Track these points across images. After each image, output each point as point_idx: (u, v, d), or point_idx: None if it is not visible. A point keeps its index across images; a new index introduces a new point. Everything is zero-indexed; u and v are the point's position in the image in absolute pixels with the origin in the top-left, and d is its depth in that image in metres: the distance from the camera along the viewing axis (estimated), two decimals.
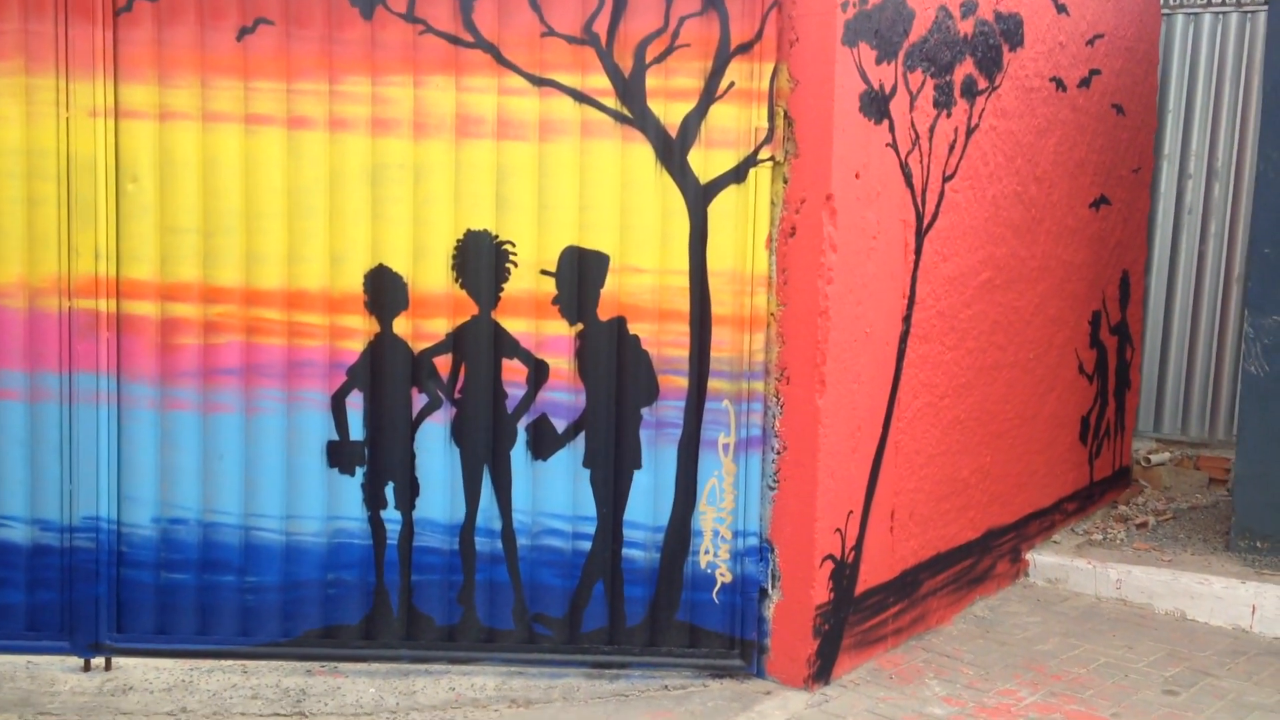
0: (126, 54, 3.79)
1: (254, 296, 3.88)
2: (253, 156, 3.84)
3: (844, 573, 4.04)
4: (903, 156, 4.22)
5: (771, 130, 3.90)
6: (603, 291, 3.97)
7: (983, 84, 4.69)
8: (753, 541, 3.97)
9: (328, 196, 3.88)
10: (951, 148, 4.52)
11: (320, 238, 3.88)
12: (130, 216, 3.83)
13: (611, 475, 4.00)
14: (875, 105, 4.03)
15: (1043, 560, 5.32)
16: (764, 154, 3.91)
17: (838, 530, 4.01)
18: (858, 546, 4.12)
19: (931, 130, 4.37)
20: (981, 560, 4.97)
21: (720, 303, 3.97)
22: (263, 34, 3.82)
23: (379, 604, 3.96)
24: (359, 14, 3.83)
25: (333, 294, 3.90)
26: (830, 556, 3.96)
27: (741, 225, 3.95)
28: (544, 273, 3.96)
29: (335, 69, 3.84)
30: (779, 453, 3.98)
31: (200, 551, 3.88)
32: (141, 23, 3.79)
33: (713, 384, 3.98)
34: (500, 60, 3.87)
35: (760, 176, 3.93)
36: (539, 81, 3.89)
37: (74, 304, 3.79)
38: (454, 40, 3.86)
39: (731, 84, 3.91)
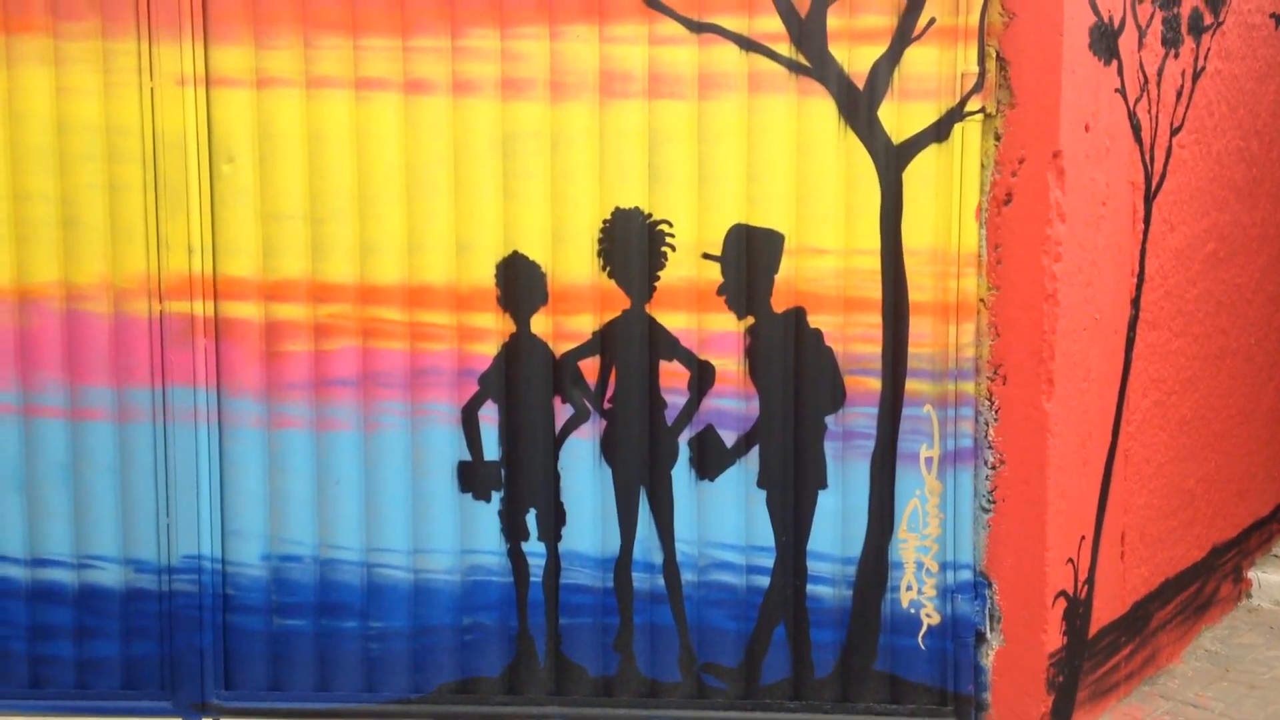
0: (217, 9, 3.38)
1: (369, 293, 3.46)
2: (364, 128, 3.41)
3: (1078, 611, 3.51)
4: (1131, 104, 3.65)
5: (981, 76, 3.36)
6: (777, 278, 3.47)
7: (1209, 19, 4.10)
8: (965, 575, 3.45)
9: (452, 173, 3.43)
10: (1179, 94, 3.94)
11: (444, 222, 3.44)
12: (226, 202, 3.42)
13: (792, 497, 3.51)
14: (1105, 42, 3.46)
15: (1269, 579, 4.74)
16: (972, 105, 3.37)
17: (1069, 560, 3.48)
18: (1090, 579, 3.59)
19: (1160, 73, 3.80)
20: (1207, 583, 4.41)
21: (919, 287, 3.46)
22: None
23: (523, 652, 3.52)
24: None
25: (460, 288, 3.46)
26: (1063, 593, 3.44)
27: (944, 193, 3.42)
28: (706, 257, 3.47)
29: (458, 21, 3.39)
30: (995, 467, 3.45)
31: (317, 593, 3.48)
32: None
33: (911, 385, 3.47)
34: (651, 3, 3.38)
35: (967, 133, 3.39)
36: (697, 27, 3.40)
37: (165, 307, 3.40)
38: None
39: (931, 21, 3.38)
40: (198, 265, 3.41)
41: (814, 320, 3.49)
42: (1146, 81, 3.70)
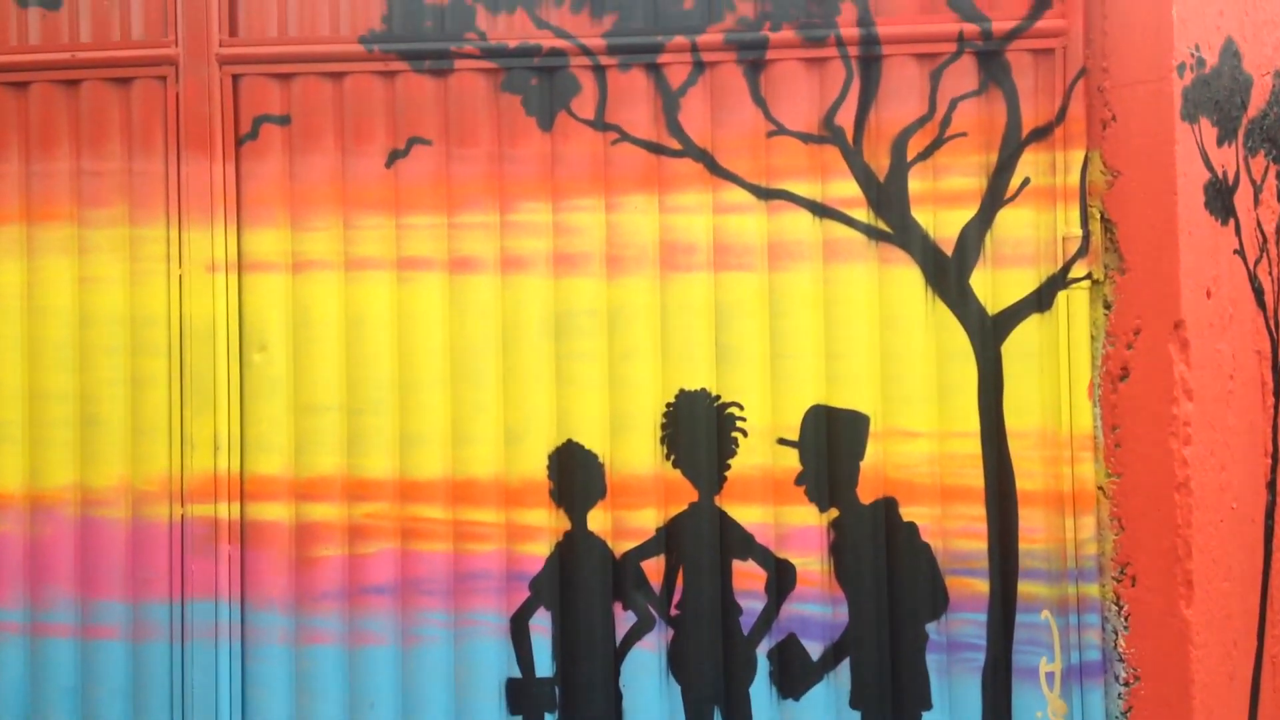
0: (251, 191, 3.27)
1: (410, 490, 3.24)
2: (407, 311, 3.25)
3: None
4: (1251, 266, 3.38)
5: (1085, 239, 3.13)
6: (863, 465, 3.20)
7: None
8: None
9: (500, 356, 3.24)
10: None
11: (492, 410, 3.24)
12: (257, 395, 3.25)
13: (890, 719, 3.15)
14: (1220, 199, 3.23)
15: None
16: (1076, 271, 3.14)
17: None
18: None
19: (1279, 231, 3.53)
20: None
21: (1027, 474, 3.16)
22: (418, 157, 3.26)
23: None
24: (535, 124, 3.24)
25: (509, 482, 3.23)
26: None
27: (1050, 368, 3.16)
28: (783, 442, 3.21)
29: (507, 194, 3.25)
30: (1128, 684, 3.08)
31: None
32: (269, 151, 3.28)
33: (1025, 588, 3.14)
34: (715, 170, 3.23)
35: (1073, 301, 3.15)
36: (766, 194, 3.22)
37: (187, 511, 3.21)
38: (656, 149, 3.23)
39: (1025, 181, 3.17)
40: (224, 464, 3.22)
41: (907, 512, 3.20)
42: (1265, 241, 3.45)
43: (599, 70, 3.25)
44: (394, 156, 3.28)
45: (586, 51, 3.24)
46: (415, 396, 3.25)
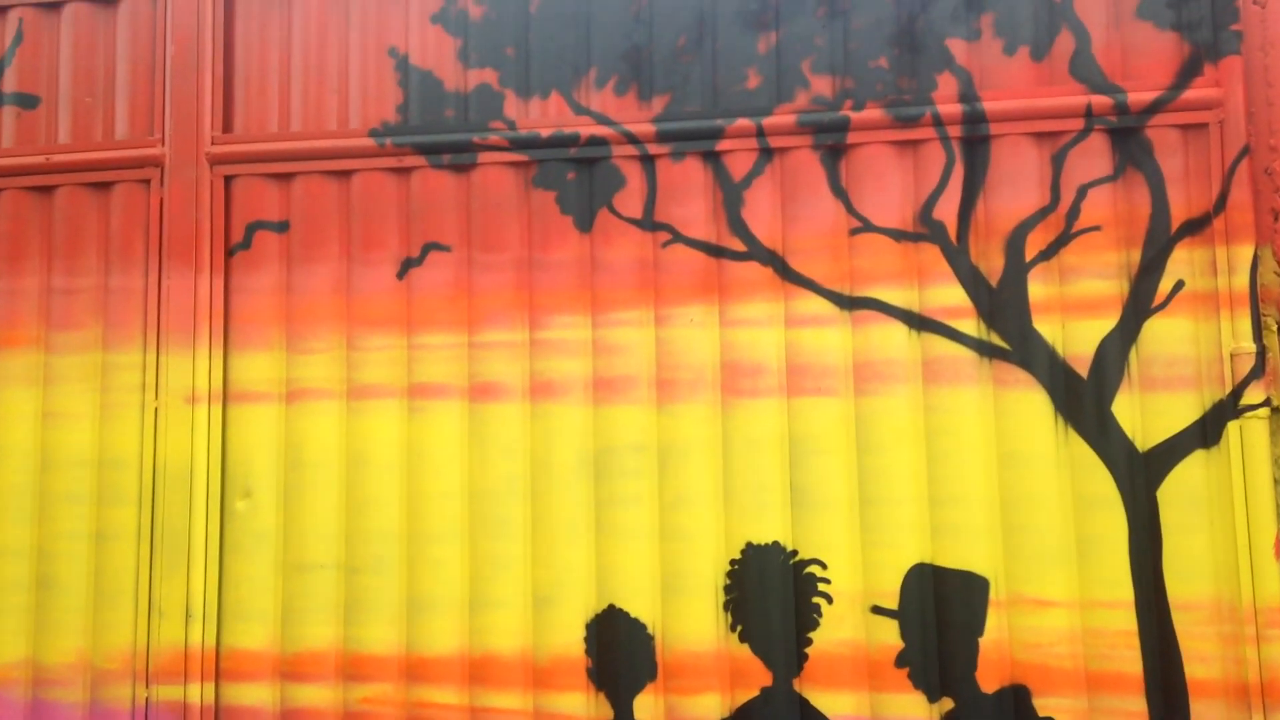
0: (242, 308, 2.95)
1: (418, 668, 2.79)
2: (418, 448, 2.86)
3: None
4: None
5: (1260, 355, 2.62)
6: (982, 642, 2.66)
7: None
8: None
9: (528, 502, 2.82)
10: None
11: (517, 567, 2.81)
12: (238, 551, 2.87)
13: None
14: None
15: None
16: (1251, 396, 2.62)
17: None
18: None
19: None
20: None
21: (1198, 658, 2.60)
22: (435, 265, 2.92)
23: None
24: (572, 223, 2.88)
25: (538, 658, 2.77)
26: None
27: (1222, 519, 2.63)
28: (878, 611, 2.71)
29: (538, 307, 2.87)
30: None
31: None
32: (263, 262, 2.97)
33: None
34: (787, 275, 2.82)
35: (1247, 434, 2.63)
36: (850, 302, 2.79)
37: (153, 694, 2.81)
38: (715, 251, 2.84)
39: (1179, 285, 2.70)
40: (196, 636, 2.83)
41: (1043, 704, 2.64)
42: None
43: (647, 160, 2.89)
44: (407, 265, 2.94)
45: (632, 139, 2.88)
46: (425, 551, 2.83)
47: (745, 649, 2.75)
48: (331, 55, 3.07)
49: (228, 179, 3.02)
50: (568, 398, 2.86)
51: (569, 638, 2.79)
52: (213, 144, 3.02)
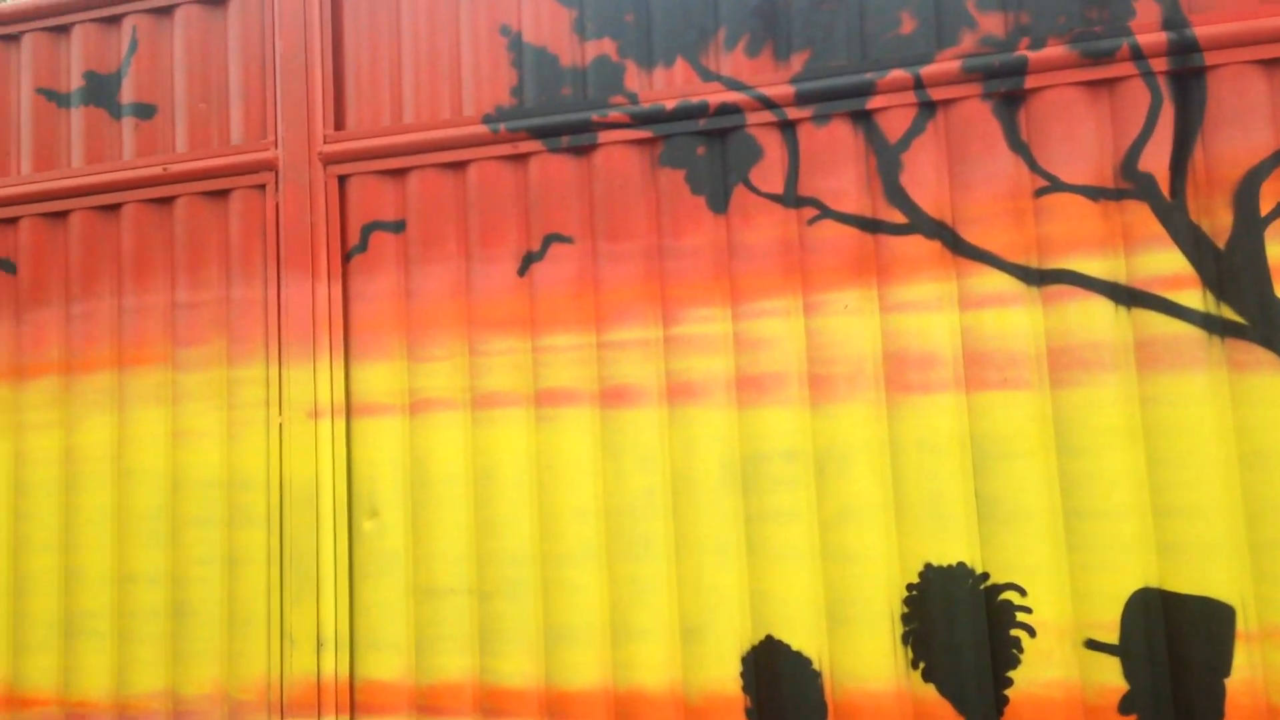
0: (361, 315, 2.88)
1: (560, 703, 2.64)
2: (548, 460, 2.71)
3: None
4: None
5: None
6: (1229, 683, 2.27)
7: None
8: None
9: (669, 519, 2.63)
10: None
11: (661, 592, 2.61)
12: (368, 574, 2.80)
13: None
14: None
15: None
16: None
17: None
18: None
19: None
20: None
21: None
22: (557, 259, 2.75)
23: None
24: (704, 205, 2.65)
25: (689, 695, 2.57)
26: None
27: None
28: (1094, 646, 2.37)
29: (671, 299, 2.66)
30: None
31: None
32: (380, 265, 2.89)
33: None
34: (959, 248, 2.49)
35: None
36: (1039, 276, 2.44)
37: None
38: (871, 226, 2.55)
39: None
40: (329, 666, 2.77)
41: None
42: None
43: (787, 127, 2.63)
44: (528, 261, 2.79)
45: (769, 104, 2.62)
46: (560, 575, 2.68)
47: (931, 690, 2.46)
48: (442, 40, 2.95)
49: (342, 179, 2.96)
50: (709, 400, 2.63)
51: (723, 672, 2.58)
52: (325, 143, 2.96)
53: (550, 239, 2.78)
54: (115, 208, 3.14)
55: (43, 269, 3.17)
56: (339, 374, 2.89)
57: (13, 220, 3.21)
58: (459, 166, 2.88)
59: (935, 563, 2.47)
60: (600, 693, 2.65)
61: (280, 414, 2.90)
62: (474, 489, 2.78)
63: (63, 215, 3.18)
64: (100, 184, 3.11)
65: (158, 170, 3.07)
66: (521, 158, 2.82)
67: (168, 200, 3.10)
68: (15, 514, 3.06)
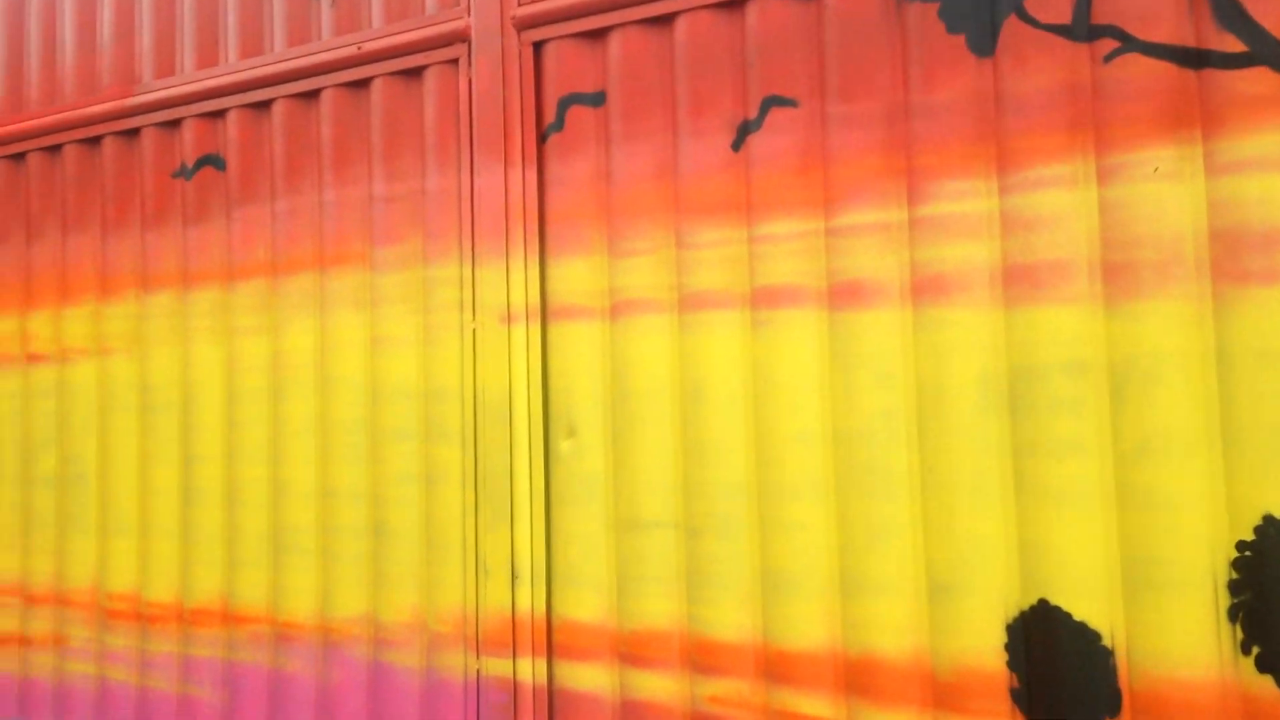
0: (557, 204, 2.66)
1: (780, 664, 2.37)
2: (767, 372, 2.41)
3: None
4: None
5: None
6: None
7: None
8: None
9: (915, 446, 2.27)
10: None
11: (902, 537, 2.27)
12: (564, 500, 2.62)
13: None
14: None
15: None
16: None
17: None
18: None
19: None
20: None
21: None
22: (778, 127, 2.40)
23: None
24: (964, 45, 2.19)
25: (937, 669, 2.21)
26: None
27: None
28: None
29: (919, 171, 2.24)
30: None
31: None
32: (579, 145, 2.65)
33: None
34: None
35: None
36: None
37: (483, 665, 2.65)
38: (1193, 59, 2.00)
39: None
40: (525, 601, 2.63)
41: None
42: None
43: None
44: (744, 131, 2.44)
45: None
46: (780, 511, 2.36)
47: (1268, 682, 1.94)
48: None
49: (537, 46, 2.72)
50: (966, 297, 2.19)
51: (981, 642, 2.17)
52: (519, 4, 2.73)
53: (770, 103, 2.40)
54: (314, 94, 3.08)
55: (250, 164, 3.18)
56: (533, 272, 2.68)
57: (221, 113, 3.24)
58: (665, 21, 2.55)
59: (1276, 514, 1.93)
60: (827, 655, 2.32)
61: (474, 319, 2.74)
62: (680, 407, 2.50)
63: (266, 105, 3.17)
64: (299, 69, 3.05)
65: (352, 50, 2.96)
66: (738, 4, 2.45)
67: (364, 83, 2.99)
68: (229, 422, 3.12)
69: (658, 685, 2.51)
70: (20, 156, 3.65)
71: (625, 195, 2.59)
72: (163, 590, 3.21)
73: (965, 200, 2.19)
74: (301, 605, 2.98)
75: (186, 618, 3.16)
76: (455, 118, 2.83)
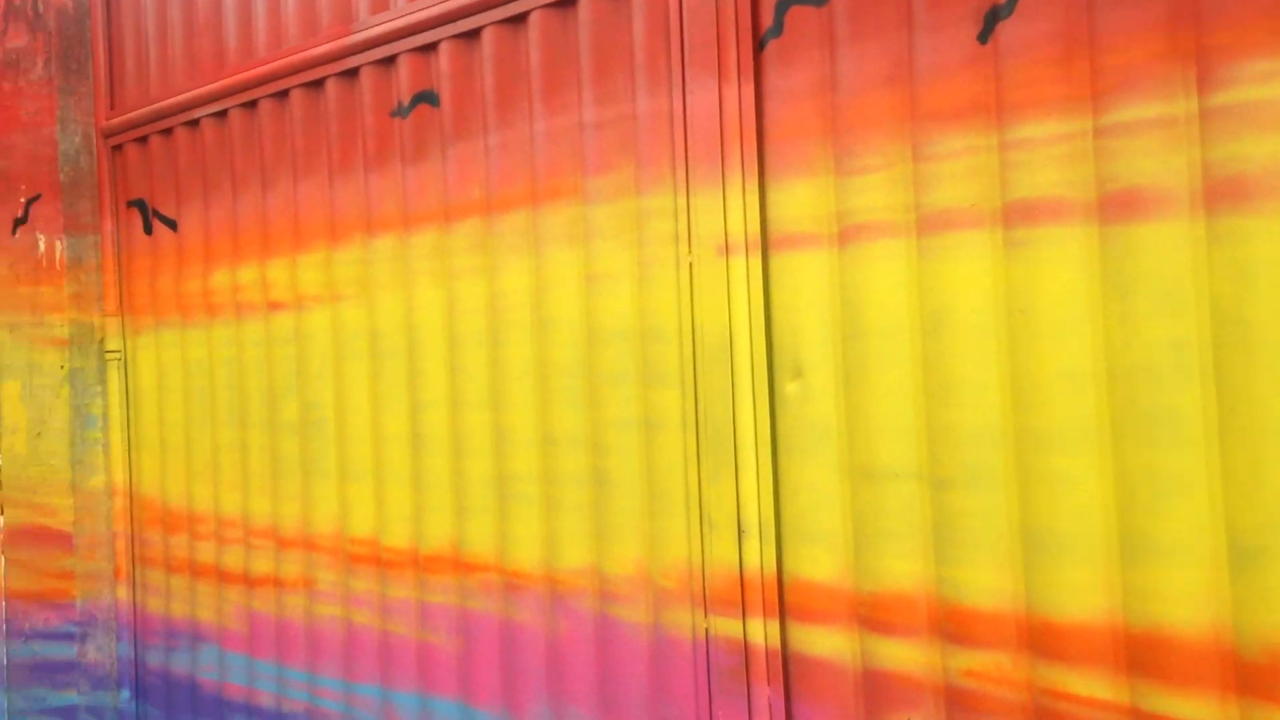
0: (777, 120, 2.43)
1: (1046, 637, 2.10)
2: (1023, 301, 2.11)
3: None
4: None
5: None
6: None
7: None
8: None
9: (1207, 383, 1.90)
10: None
11: (1194, 493, 1.95)
12: (793, 447, 2.42)
13: None
14: None
15: None
16: None
17: None
18: None
19: None
20: None
21: None
22: (1033, 12, 2.09)
23: None
24: None
25: (1240, 649, 1.88)
26: None
27: None
28: None
29: (1209, 51, 1.87)
30: None
31: None
32: (800, 51, 2.39)
33: None
34: None
35: None
36: None
37: (711, 625, 2.50)
38: None
39: None
40: (752, 557, 2.44)
41: None
42: None
43: None
44: (991, 19, 2.11)
45: None
46: (1043, 462, 2.06)
47: None
48: None
49: None
50: (1276, 204, 1.79)
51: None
52: None
53: None
54: (522, 18, 2.93)
55: (461, 98, 3.08)
56: (752, 198, 2.44)
57: (433, 46, 3.15)
58: None
59: None
60: (1104, 628, 2.01)
61: (689, 251, 2.54)
62: (922, 342, 2.21)
63: (475, 34, 3.05)
64: None
65: None
66: None
67: (571, 1, 2.81)
68: (451, 367, 3.08)
69: (903, 654, 2.27)
70: (252, 104, 3.72)
71: (853, 104, 2.30)
72: (398, 536, 3.24)
73: (1274, 83, 1.78)
74: (528, 554, 2.91)
75: (421, 564, 3.17)
76: (665, 30, 2.61)
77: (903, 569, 2.26)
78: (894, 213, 2.25)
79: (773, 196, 2.43)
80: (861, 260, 2.29)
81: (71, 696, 4.25)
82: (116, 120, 4.26)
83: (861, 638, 2.32)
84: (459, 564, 3.08)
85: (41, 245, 4.34)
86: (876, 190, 2.27)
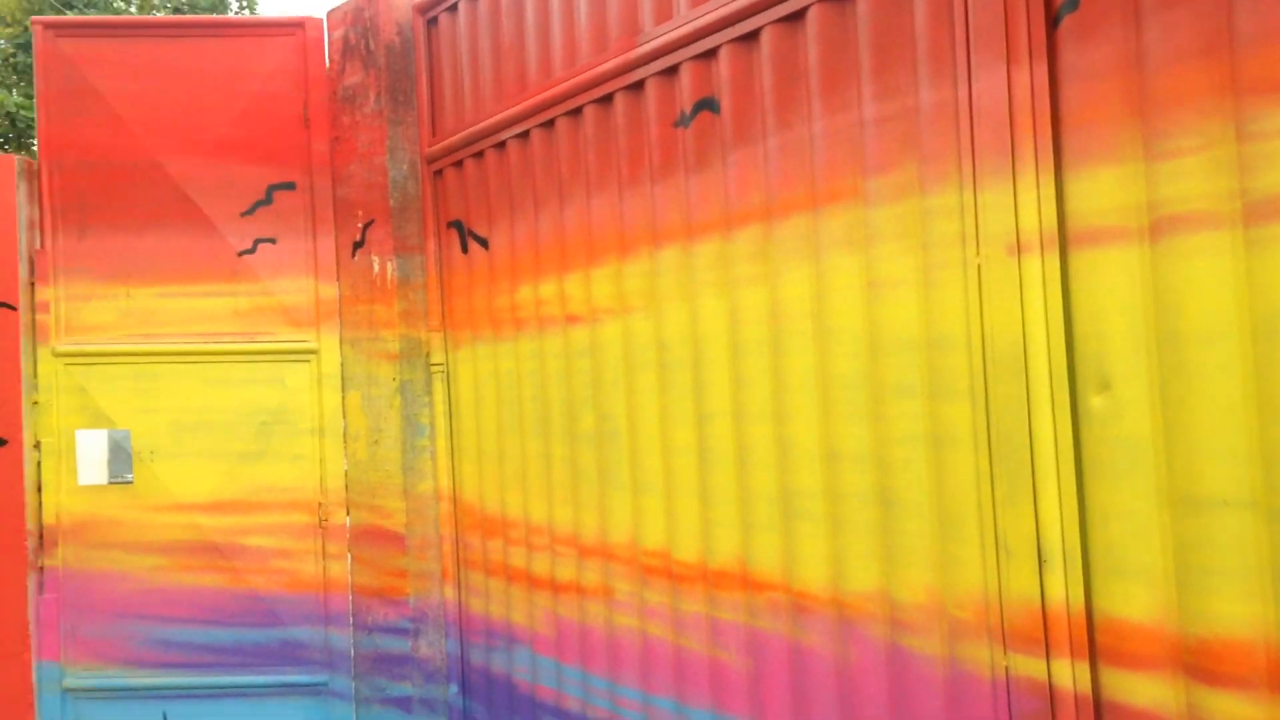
0: (1075, 102, 2.19)
1: None
2: None
3: None
4: None
5: None
6: None
7: None
8: None
9: None
10: None
11: None
12: (1100, 469, 2.18)
13: None
14: None
15: None
16: None
17: None
18: None
19: None
20: None
21: None
22: None
23: None
24: None
25: None
26: None
27: None
28: None
29: None
30: None
31: None
32: (1100, 25, 2.15)
33: None
34: None
35: None
36: None
37: (1011, 663, 2.27)
38: None
39: None
40: (1056, 590, 2.20)
41: None
42: None
43: None
44: None
45: None
46: None
47: None
48: None
49: None
50: None
51: None
52: None
53: None
54: (800, 15, 2.81)
55: (741, 102, 3.00)
56: (1047, 190, 2.19)
57: (712, 52, 3.09)
58: None
59: None
60: None
61: (977, 252, 2.32)
62: (1253, 349, 1.90)
63: (754, 36, 2.95)
64: None
65: None
66: None
67: None
68: (734, 378, 3.00)
69: (1238, 711, 1.95)
70: (550, 124, 3.82)
71: (1164, 80, 2.01)
72: (688, 550, 3.20)
73: None
74: (814, 575, 2.78)
75: (710, 579, 3.12)
76: (949, 14, 2.41)
77: (1236, 611, 1.95)
78: (1215, 201, 1.94)
79: (1071, 187, 2.17)
80: (1178, 256, 1.99)
81: (406, 688, 4.55)
82: (437, 146, 4.50)
83: (1188, 688, 2.02)
84: (746, 581, 2.99)
85: (375, 266, 4.67)
86: (1194, 176, 1.97)
